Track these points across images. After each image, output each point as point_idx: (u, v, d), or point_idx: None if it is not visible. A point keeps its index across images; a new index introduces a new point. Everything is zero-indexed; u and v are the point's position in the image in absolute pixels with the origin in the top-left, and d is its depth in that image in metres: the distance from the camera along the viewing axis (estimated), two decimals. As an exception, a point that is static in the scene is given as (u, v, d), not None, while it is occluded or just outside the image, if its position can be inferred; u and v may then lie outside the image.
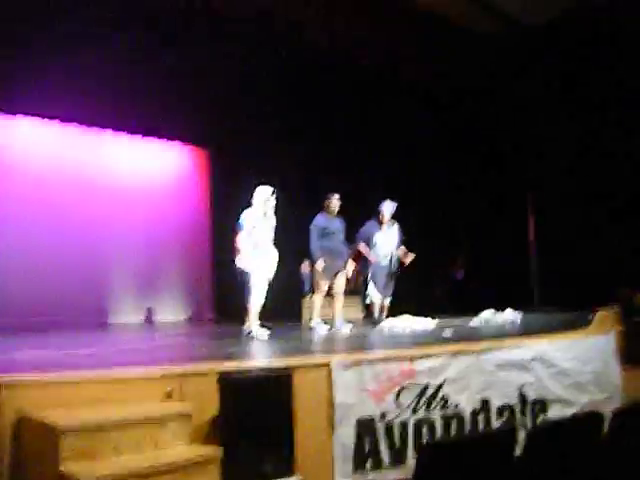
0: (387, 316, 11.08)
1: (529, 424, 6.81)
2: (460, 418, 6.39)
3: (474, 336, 8.18)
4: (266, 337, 8.78)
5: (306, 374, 5.61)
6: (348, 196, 10.45)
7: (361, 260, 11.00)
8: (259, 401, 5.00)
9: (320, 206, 10.26)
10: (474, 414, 6.48)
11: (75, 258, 13.28)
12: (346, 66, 13.55)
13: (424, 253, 11.77)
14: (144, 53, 11.91)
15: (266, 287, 9.10)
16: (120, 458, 4.45)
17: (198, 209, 15.67)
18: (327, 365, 5.77)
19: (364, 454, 5.77)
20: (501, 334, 8.60)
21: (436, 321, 10.55)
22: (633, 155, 12.63)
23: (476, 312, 11.31)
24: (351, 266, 10.53)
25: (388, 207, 10.90)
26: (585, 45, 12.98)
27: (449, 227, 15.61)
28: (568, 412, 7.13)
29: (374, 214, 10.97)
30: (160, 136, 15.00)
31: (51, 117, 13.25)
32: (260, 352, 7.64)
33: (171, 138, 15.19)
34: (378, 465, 5.82)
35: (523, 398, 6.88)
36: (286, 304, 12.73)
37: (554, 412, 7.08)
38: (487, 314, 11.16)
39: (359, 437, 5.76)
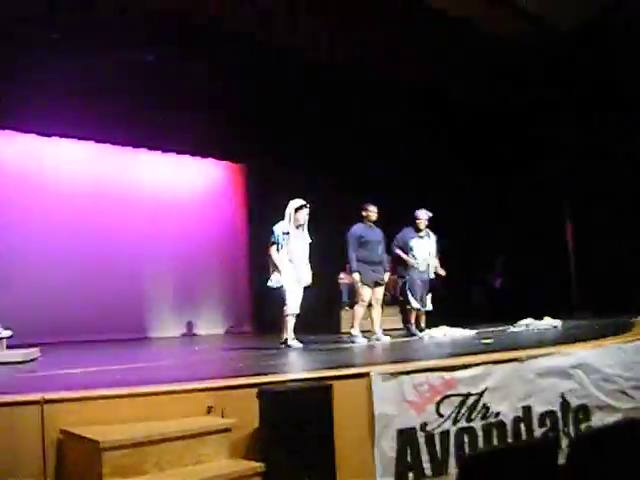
0: (425, 326, 11.05)
1: (572, 431, 6.73)
2: (502, 427, 6.31)
3: (514, 344, 8.10)
4: (300, 346, 8.87)
5: (346, 386, 5.58)
6: (384, 209, 10.42)
7: (399, 269, 10.99)
8: (299, 414, 4.97)
9: (358, 217, 10.26)
10: (516, 422, 6.40)
11: (115, 274, 13.45)
12: (379, 82, 13.58)
13: (462, 262, 11.74)
14: (179, 73, 12.06)
15: (300, 299, 9.13)
16: (162, 474, 4.47)
17: (235, 224, 15.77)
18: (367, 376, 5.74)
19: (406, 465, 5.72)
20: (542, 342, 8.53)
21: (474, 331, 10.51)
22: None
23: (515, 320, 11.26)
24: (389, 276, 10.54)
25: (423, 214, 10.90)
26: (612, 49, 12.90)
27: (487, 235, 15.52)
28: (611, 419, 7.06)
29: (410, 221, 10.97)
30: (195, 153, 15.14)
31: (88, 139, 13.44)
32: (299, 364, 7.64)
33: (206, 155, 15.32)
34: (420, 476, 5.77)
35: (565, 405, 6.78)
36: (325, 316, 12.75)
37: (597, 419, 6.98)
38: (526, 322, 11.12)
39: (400, 448, 5.71)
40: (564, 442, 6.29)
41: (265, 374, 5.96)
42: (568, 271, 15.01)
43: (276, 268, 8.94)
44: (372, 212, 10.18)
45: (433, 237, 11.09)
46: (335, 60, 13.00)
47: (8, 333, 8.38)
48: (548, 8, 12.36)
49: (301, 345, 8.99)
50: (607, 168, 13.66)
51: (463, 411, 6.11)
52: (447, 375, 6.11)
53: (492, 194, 15.60)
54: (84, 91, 11.59)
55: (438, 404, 5.98)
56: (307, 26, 12.05)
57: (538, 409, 6.56)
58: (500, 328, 10.96)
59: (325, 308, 13.00)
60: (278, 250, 8.97)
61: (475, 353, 7.12)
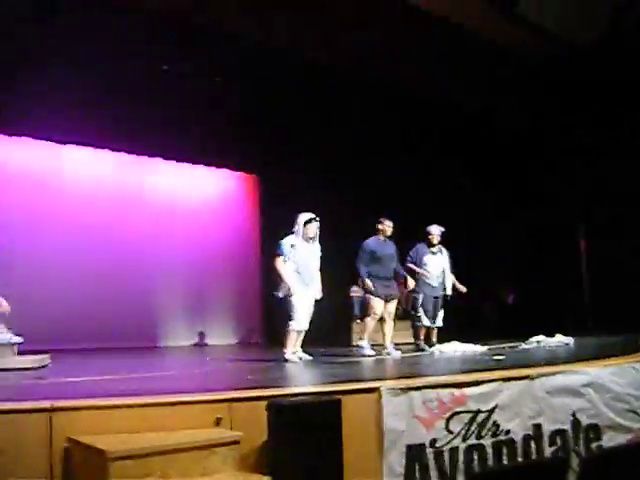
0: (437, 341, 11.03)
1: (582, 451, 6.67)
2: (511, 444, 6.26)
3: (525, 362, 8.05)
4: (299, 361, 8.86)
5: (355, 400, 5.56)
6: (398, 223, 10.39)
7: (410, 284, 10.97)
8: (308, 427, 4.95)
9: (373, 230, 10.23)
10: (526, 440, 6.35)
11: (128, 283, 13.51)
12: (398, 97, 13.62)
13: (474, 278, 11.69)
14: (194, 83, 12.13)
15: (310, 313, 9.10)
16: (169, 484, 4.46)
17: (248, 234, 15.80)
18: (377, 391, 5.71)
19: (414, 481, 5.70)
20: (553, 360, 8.48)
21: (486, 347, 10.47)
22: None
23: (526, 337, 11.20)
24: (402, 291, 10.51)
25: (436, 229, 10.89)
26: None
27: (499, 252, 15.49)
28: (622, 438, 7.01)
29: (423, 237, 10.95)
30: (209, 164, 15.20)
31: (104, 147, 13.54)
32: (309, 377, 7.62)
33: (220, 165, 15.37)
34: (428, 492, 5.75)
35: (576, 424, 6.73)
36: (336, 329, 12.73)
37: (608, 438, 6.92)
38: (538, 339, 11.08)
39: (409, 464, 5.68)
40: (574, 462, 6.28)
41: (275, 387, 5.95)
42: (581, 288, 14.95)
43: (282, 280, 8.91)
44: (388, 227, 10.13)
45: (446, 253, 11.08)
46: (350, 73, 13.05)
47: (19, 339, 8.41)
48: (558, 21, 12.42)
49: (299, 359, 8.95)
50: (621, 182, 13.63)
51: (473, 428, 6.07)
52: (457, 391, 6.07)
53: (505, 209, 15.55)
54: (101, 101, 11.67)
55: (448, 420, 5.94)
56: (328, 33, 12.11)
57: (548, 428, 6.51)
58: (511, 344, 10.90)
59: (336, 321, 12.97)
60: (285, 262, 8.93)
61: (486, 370, 7.09)
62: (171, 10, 10.90)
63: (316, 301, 9.19)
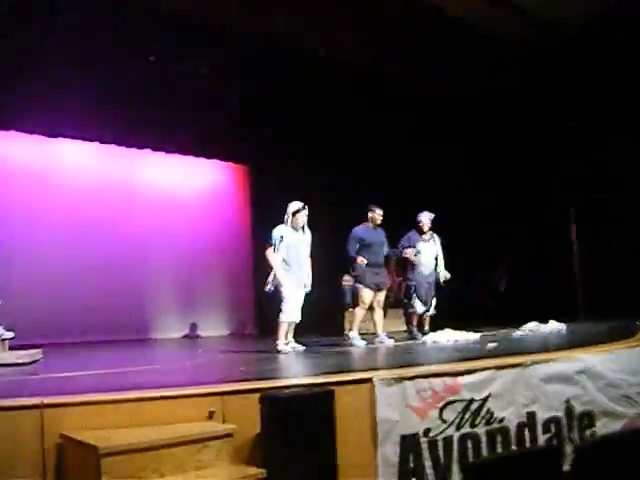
0: (430, 329, 11.01)
1: (576, 438, 6.68)
2: (505, 433, 6.26)
3: (518, 349, 8.05)
4: (291, 351, 8.86)
5: (348, 391, 5.54)
6: (389, 211, 10.35)
7: (403, 272, 10.95)
8: (301, 419, 4.93)
9: (362, 218, 10.19)
10: (520, 428, 6.35)
11: (118, 276, 13.44)
12: (380, 83, 13.61)
13: (466, 265, 11.67)
14: (182, 75, 12.11)
15: (301, 302, 9.09)
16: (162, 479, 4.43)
17: (239, 225, 15.75)
18: (369, 381, 5.70)
19: (408, 471, 5.67)
20: (546, 347, 8.48)
21: (479, 335, 10.45)
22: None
23: (519, 324, 11.21)
24: (393, 279, 10.49)
25: (427, 216, 10.84)
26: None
27: (491, 239, 15.47)
28: (616, 425, 7.02)
29: (414, 225, 10.91)
30: (199, 154, 15.14)
31: (93, 140, 13.46)
32: (301, 369, 7.60)
33: (210, 156, 15.31)
34: (423, 482, 5.74)
35: (570, 411, 6.73)
36: (328, 317, 12.71)
37: (602, 425, 6.93)
38: (531, 325, 11.08)
39: (403, 454, 5.67)
40: (568, 448, 6.28)
41: (267, 379, 5.94)
42: (572, 273, 14.96)
43: (272, 270, 8.90)
44: (378, 214, 10.10)
45: (437, 239, 11.04)
46: (337, 60, 13.00)
47: (10, 334, 8.37)
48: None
49: (291, 350, 8.94)
50: (611, 169, 13.63)
51: (466, 417, 6.06)
52: (450, 380, 6.06)
53: (495, 194, 15.53)
54: (91, 94, 11.60)
55: (441, 410, 5.93)
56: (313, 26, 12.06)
57: (542, 415, 6.51)
58: (504, 331, 10.91)
59: (329, 309, 12.96)
60: (276, 252, 8.92)
61: (479, 358, 7.08)
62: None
63: (307, 292, 9.18)
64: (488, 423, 6.16)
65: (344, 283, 13.42)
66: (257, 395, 5.05)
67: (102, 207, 13.61)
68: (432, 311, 11.06)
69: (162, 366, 8.09)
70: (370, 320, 10.13)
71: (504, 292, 15.91)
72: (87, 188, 13.57)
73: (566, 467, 5.00)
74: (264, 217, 13.51)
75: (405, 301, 11.07)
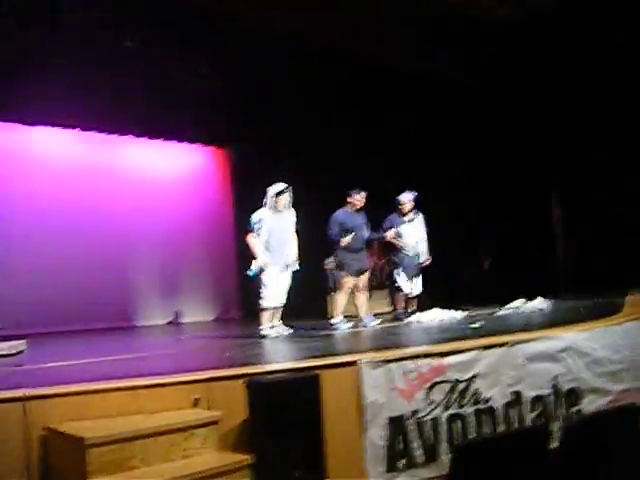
0: (415, 309, 10.99)
1: (563, 415, 6.70)
2: (492, 412, 6.28)
3: (504, 329, 8.05)
4: (277, 335, 8.83)
5: (334, 374, 5.53)
6: (372, 192, 10.30)
7: (388, 253, 10.92)
8: (287, 404, 4.91)
9: (343, 202, 10.13)
10: (506, 408, 6.37)
11: (100, 263, 13.32)
12: (363, 65, 13.52)
13: (450, 243, 11.65)
14: (163, 60, 12.01)
15: (287, 284, 9.04)
16: (148, 469, 4.40)
17: (221, 209, 15.67)
18: (355, 364, 5.68)
19: (396, 453, 5.68)
20: (531, 325, 8.49)
21: (465, 313, 10.45)
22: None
23: (504, 302, 11.21)
24: (375, 262, 10.45)
25: (407, 197, 10.78)
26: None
27: (474, 217, 15.46)
28: (602, 401, 7.05)
29: (394, 207, 10.86)
30: (181, 139, 15.05)
31: (74, 126, 13.36)
32: (287, 353, 7.59)
33: (192, 140, 15.23)
34: (411, 464, 5.73)
35: (556, 389, 6.75)
36: (311, 302, 12.68)
37: (588, 402, 6.96)
38: (517, 303, 11.07)
39: (391, 436, 5.67)
40: (555, 425, 6.29)
41: (253, 364, 5.92)
42: (554, 247, 15.00)
43: (255, 254, 8.85)
44: (358, 201, 9.96)
45: (421, 217, 10.97)
46: (317, 44, 12.91)
47: (-4, 327, 8.31)
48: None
49: (276, 334, 8.89)
50: (591, 148, 13.65)
51: (454, 397, 6.07)
52: (436, 362, 6.06)
53: (478, 176, 15.51)
54: (73, 80, 11.49)
55: (428, 391, 5.94)
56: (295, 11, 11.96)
57: (529, 394, 6.54)
58: (489, 310, 10.90)
59: (312, 293, 12.92)
60: (256, 236, 8.86)
61: (464, 338, 7.08)
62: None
63: (293, 272, 9.14)
64: (475, 403, 6.18)
65: (326, 266, 13.40)
66: (243, 380, 5.02)
67: (83, 193, 13.46)
68: (418, 291, 11.02)
69: (145, 354, 8.04)
70: (353, 303, 10.08)
71: (488, 271, 15.92)
72: (68, 174, 13.42)
73: (554, 444, 5.00)
74: (246, 201, 13.43)
75: (387, 283, 11.05)
